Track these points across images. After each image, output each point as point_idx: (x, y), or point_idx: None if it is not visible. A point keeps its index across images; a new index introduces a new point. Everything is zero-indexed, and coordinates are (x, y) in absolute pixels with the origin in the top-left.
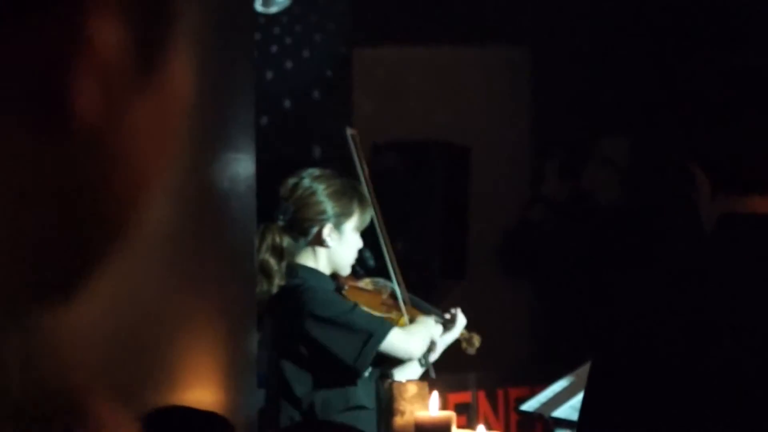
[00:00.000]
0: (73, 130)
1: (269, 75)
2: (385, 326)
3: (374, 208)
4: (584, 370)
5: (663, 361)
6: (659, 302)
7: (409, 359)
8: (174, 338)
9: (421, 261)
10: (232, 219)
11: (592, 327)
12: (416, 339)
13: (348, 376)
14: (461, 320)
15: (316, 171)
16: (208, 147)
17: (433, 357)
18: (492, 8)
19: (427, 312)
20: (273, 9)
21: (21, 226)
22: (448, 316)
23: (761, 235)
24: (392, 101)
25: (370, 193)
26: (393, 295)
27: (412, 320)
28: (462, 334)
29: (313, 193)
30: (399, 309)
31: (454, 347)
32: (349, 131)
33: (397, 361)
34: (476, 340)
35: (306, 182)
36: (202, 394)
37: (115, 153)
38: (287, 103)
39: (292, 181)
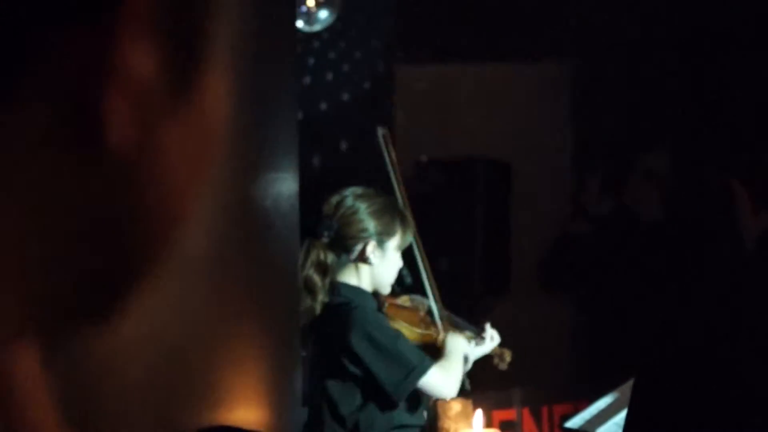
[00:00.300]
0: (110, 155)
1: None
2: (426, 363)
3: (402, 196)
4: (628, 386)
5: (706, 379)
6: (702, 320)
7: (443, 398)
8: (218, 358)
9: (463, 277)
10: (276, 238)
11: (636, 343)
12: (452, 380)
13: (388, 401)
14: (493, 336)
15: (358, 189)
16: (250, 167)
17: (462, 364)
18: (534, 24)
19: (462, 329)
20: (316, 27)
21: (64, 253)
22: (481, 331)
23: None
24: (434, 118)
25: (402, 194)
26: (430, 312)
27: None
28: (494, 350)
29: (356, 211)
30: (436, 326)
31: (489, 363)
32: (380, 131)
33: None
34: (507, 356)
35: (349, 201)
36: (246, 413)
37: (152, 176)
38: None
39: (335, 199)
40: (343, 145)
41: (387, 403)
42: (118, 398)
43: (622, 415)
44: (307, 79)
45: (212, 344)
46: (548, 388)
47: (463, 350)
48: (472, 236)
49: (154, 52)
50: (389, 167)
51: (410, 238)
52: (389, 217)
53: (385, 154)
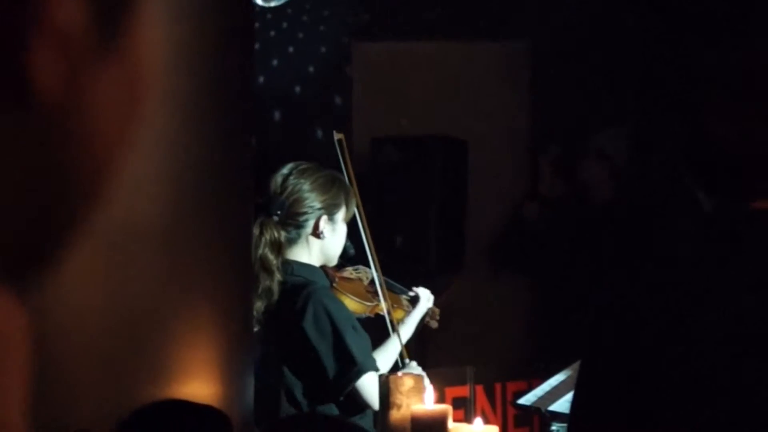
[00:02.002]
0: (37, 105)
1: (273, 62)
2: (368, 364)
3: (356, 196)
4: (579, 365)
5: (653, 357)
6: (652, 297)
7: (368, 407)
8: (170, 332)
9: (418, 255)
10: (228, 208)
11: (587, 324)
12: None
13: (329, 389)
14: (426, 295)
15: (301, 164)
16: (201, 133)
17: (408, 333)
18: (493, 3)
19: (398, 293)
20: (273, 3)
21: None
22: (412, 293)
23: (762, 230)
24: (391, 95)
25: (356, 197)
26: (372, 282)
27: (393, 306)
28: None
29: (301, 187)
30: (377, 293)
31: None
32: (335, 136)
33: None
34: (437, 313)
35: (294, 177)
36: (198, 387)
37: (80, 128)
38: (272, 103)
39: (279, 176)
40: (295, 122)
41: (329, 391)
42: (69, 373)
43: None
44: (268, 60)
45: (164, 318)
46: (502, 366)
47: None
48: (428, 214)
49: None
50: (344, 171)
51: (354, 209)
52: (335, 189)
53: (341, 159)
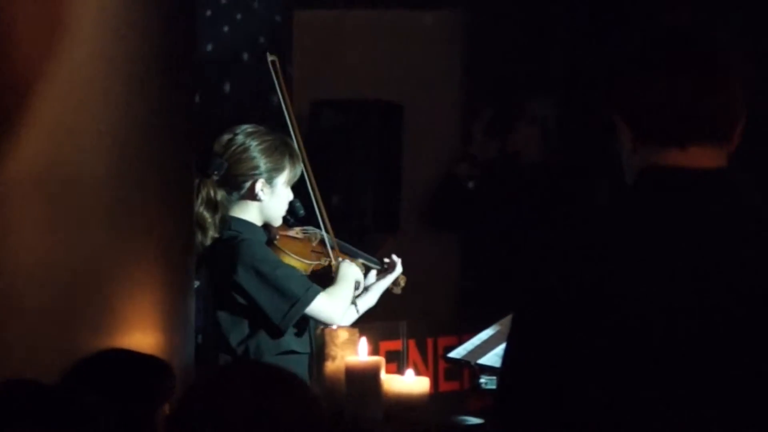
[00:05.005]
0: None
1: (224, 29)
2: (310, 292)
3: (304, 158)
4: (508, 320)
5: (578, 311)
6: (577, 253)
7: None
8: (114, 285)
9: (356, 214)
10: (172, 171)
11: (516, 280)
12: (340, 306)
13: (273, 330)
14: (399, 267)
15: (249, 127)
16: (148, 99)
17: (370, 302)
18: None
19: (355, 257)
20: None
21: None
22: (387, 261)
23: (679, 187)
24: (330, 62)
25: (292, 122)
26: (322, 242)
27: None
28: None
29: (247, 149)
30: (328, 255)
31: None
32: (269, 57)
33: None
34: (402, 281)
35: (240, 138)
36: (141, 338)
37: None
38: (216, 66)
39: (226, 137)
40: (232, 86)
41: (273, 332)
42: (18, 325)
43: (502, 347)
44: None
45: (108, 271)
46: (433, 321)
47: (354, 277)
48: (365, 174)
49: None
50: (279, 92)
51: (299, 172)
52: (279, 154)
53: (275, 80)
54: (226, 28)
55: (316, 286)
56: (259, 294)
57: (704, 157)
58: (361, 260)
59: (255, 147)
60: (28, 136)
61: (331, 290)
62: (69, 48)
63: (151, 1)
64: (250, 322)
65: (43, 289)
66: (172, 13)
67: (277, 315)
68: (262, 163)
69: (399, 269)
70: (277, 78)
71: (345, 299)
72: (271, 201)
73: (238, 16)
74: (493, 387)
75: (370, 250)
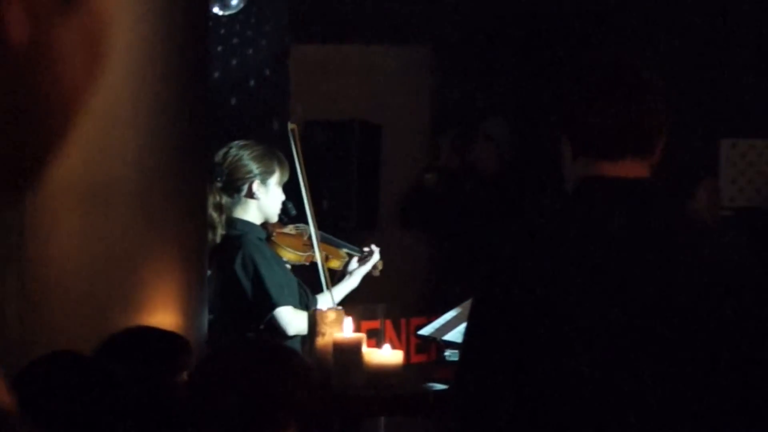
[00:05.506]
0: (8, 55)
1: (232, 62)
2: (281, 301)
3: (302, 170)
4: (468, 304)
5: (522, 297)
6: (525, 249)
7: (286, 335)
8: (141, 273)
9: (341, 215)
10: (190, 176)
11: (475, 270)
12: (298, 322)
13: (251, 321)
14: (377, 255)
15: (241, 141)
16: (169, 117)
17: (354, 284)
18: (400, 15)
19: (338, 245)
20: (228, 12)
21: None
22: (366, 249)
23: (608, 193)
24: (321, 88)
25: (302, 170)
26: (311, 237)
27: (327, 257)
28: None
29: (241, 157)
30: (314, 247)
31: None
32: (289, 126)
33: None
34: (380, 265)
35: (234, 150)
36: (163, 317)
37: (48, 72)
38: (226, 92)
39: (223, 150)
40: (238, 107)
41: (253, 322)
42: (63, 306)
43: (463, 325)
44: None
45: (135, 261)
46: (406, 304)
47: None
48: (349, 182)
49: None
50: (294, 155)
51: (287, 175)
52: (268, 159)
53: (293, 147)
54: (234, 61)
55: (289, 299)
56: (247, 284)
57: (632, 169)
58: (345, 250)
59: (247, 155)
60: (71, 150)
61: (299, 312)
62: (104, 74)
63: (172, 35)
64: (249, 306)
65: (83, 277)
66: (190, 46)
67: (256, 308)
68: (255, 167)
69: (377, 256)
70: (295, 144)
71: (304, 323)
72: (266, 199)
73: (249, 51)
74: (456, 359)
75: (353, 244)
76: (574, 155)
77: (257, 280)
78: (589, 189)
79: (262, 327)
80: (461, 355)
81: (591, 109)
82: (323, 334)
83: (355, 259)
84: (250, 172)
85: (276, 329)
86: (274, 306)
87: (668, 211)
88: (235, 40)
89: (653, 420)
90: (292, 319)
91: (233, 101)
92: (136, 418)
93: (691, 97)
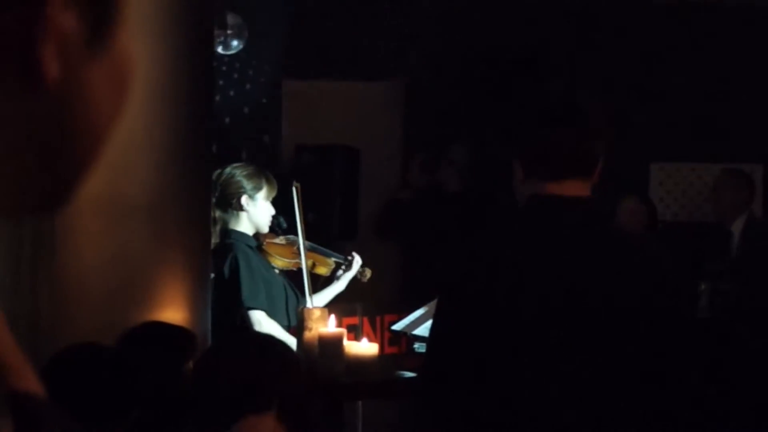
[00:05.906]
0: (47, 92)
1: (230, 93)
2: (252, 304)
3: (296, 193)
4: (433, 303)
5: (479, 298)
6: (483, 257)
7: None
8: (154, 277)
9: (325, 227)
10: (195, 194)
11: (440, 275)
12: (271, 327)
13: (229, 319)
14: (358, 260)
15: (235, 163)
16: (177, 140)
17: (340, 288)
18: (376, 54)
19: (326, 255)
20: (230, 51)
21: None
22: (349, 257)
23: (552, 209)
24: (308, 117)
25: (302, 230)
26: (299, 247)
27: (314, 264)
28: (358, 270)
29: (233, 175)
30: (301, 256)
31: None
32: (294, 184)
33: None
34: (368, 272)
35: (228, 170)
36: (173, 314)
37: (81, 107)
38: (227, 120)
39: (218, 170)
40: (234, 132)
41: (230, 320)
42: (87, 305)
43: (429, 322)
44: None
45: (149, 267)
46: (381, 303)
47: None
48: (332, 198)
49: (77, 12)
50: (296, 209)
51: (275, 190)
52: (257, 177)
53: (295, 203)
54: (232, 92)
55: (262, 303)
56: (227, 282)
57: (574, 188)
58: (333, 259)
59: (239, 174)
60: (96, 172)
61: (271, 319)
62: (127, 103)
63: (182, 72)
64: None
65: (103, 280)
66: (197, 80)
67: (231, 307)
68: (245, 183)
69: (358, 261)
70: (298, 200)
71: (279, 330)
72: (255, 212)
73: (247, 86)
74: (423, 351)
75: (336, 251)
76: (525, 176)
77: (235, 279)
78: (538, 205)
79: (237, 324)
80: (428, 347)
81: (539, 138)
82: (310, 329)
83: (342, 267)
84: (241, 187)
85: (248, 330)
86: (243, 306)
87: (605, 224)
88: (235, 75)
89: (600, 409)
90: (262, 325)
91: (230, 126)
92: (151, 401)
93: (626, 126)
